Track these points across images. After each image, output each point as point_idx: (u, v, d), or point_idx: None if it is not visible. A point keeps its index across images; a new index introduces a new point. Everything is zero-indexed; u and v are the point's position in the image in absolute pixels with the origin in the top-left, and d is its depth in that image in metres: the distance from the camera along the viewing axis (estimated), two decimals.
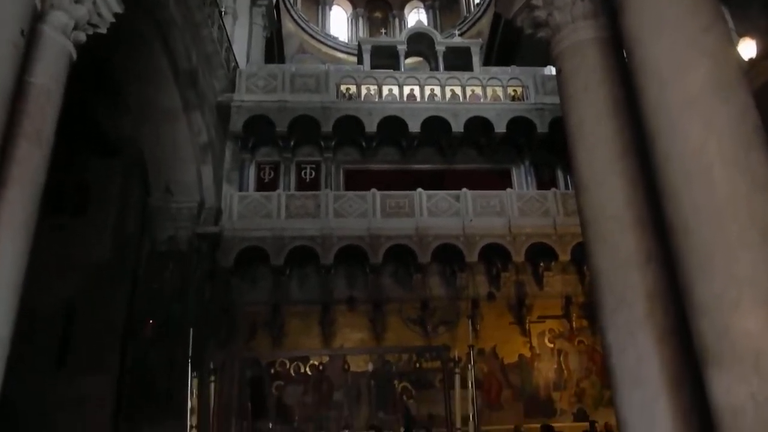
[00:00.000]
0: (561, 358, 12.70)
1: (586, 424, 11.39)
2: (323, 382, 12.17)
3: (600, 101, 4.42)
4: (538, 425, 10.70)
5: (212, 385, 7.46)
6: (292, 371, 12.22)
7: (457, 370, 8.23)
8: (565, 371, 12.64)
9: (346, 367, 12.10)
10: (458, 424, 7.73)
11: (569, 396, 12.46)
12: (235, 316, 12.38)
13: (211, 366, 7.67)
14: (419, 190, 12.58)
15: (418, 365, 12.24)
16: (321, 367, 12.19)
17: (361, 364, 12.37)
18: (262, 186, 13.58)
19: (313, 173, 13.99)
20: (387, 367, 12.39)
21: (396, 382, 12.26)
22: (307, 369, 12.20)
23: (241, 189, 13.32)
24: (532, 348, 12.70)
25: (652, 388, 3.64)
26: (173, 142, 11.81)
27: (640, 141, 4.26)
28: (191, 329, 7.48)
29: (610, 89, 4.40)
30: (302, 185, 13.69)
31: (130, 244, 12.18)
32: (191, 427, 6.56)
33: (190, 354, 7.20)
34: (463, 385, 8.23)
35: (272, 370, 12.11)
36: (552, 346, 12.79)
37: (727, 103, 3.08)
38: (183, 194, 12.33)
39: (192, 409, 6.66)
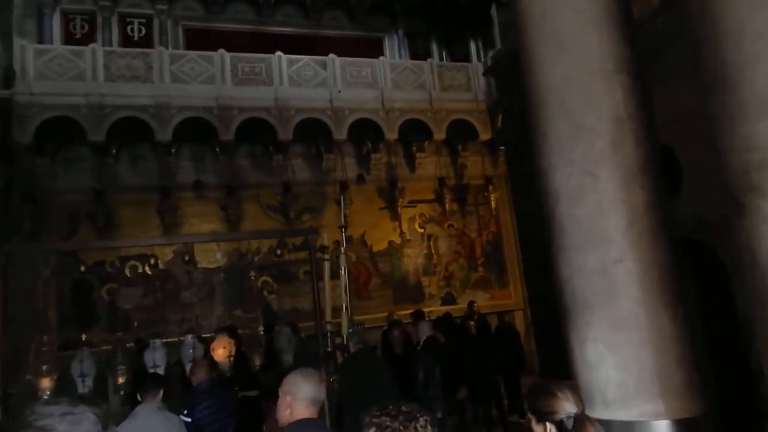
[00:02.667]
0: (431, 243, 12.21)
1: (454, 307, 11.16)
2: (167, 282, 10.39)
3: None
4: (408, 312, 10.17)
5: None
6: (127, 271, 10.24)
7: (326, 257, 7.16)
8: (435, 256, 12.22)
9: (188, 259, 10.37)
10: (328, 317, 6.74)
11: (438, 280, 12.17)
12: (46, 205, 9.86)
13: None
14: (278, 53, 10.54)
15: (279, 254, 10.88)
16: (155, 263, 10.26)
17: (212, 260, 10.72)
18: (73, 42, 10.49)
19: (143, 30, 11.16)
20: (244, 261, 10.88)
21: (254, 276, 10.87)
22: (146, 268, 10.26)
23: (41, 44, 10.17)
24: (402, 234, 11.99)
25: (617, 246, 2.59)
26: None
27: None
28: None
29: None
30: (129, 44, 10.86)
31: None
32: None
33: None
34: (332, 275, 7.23)
35: (93, 270, 9.98)
36: (422, 231, 12.20)
37: None
38: None
39: None
